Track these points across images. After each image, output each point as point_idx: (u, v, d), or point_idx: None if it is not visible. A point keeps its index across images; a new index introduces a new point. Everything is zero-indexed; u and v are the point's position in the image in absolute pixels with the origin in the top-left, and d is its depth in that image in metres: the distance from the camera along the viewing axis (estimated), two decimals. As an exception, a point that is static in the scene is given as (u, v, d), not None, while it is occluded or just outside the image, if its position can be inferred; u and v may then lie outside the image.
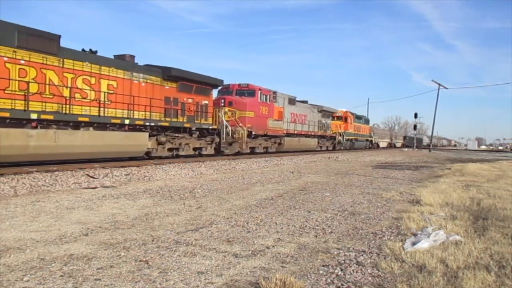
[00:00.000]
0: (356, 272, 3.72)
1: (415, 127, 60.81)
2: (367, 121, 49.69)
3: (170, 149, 16.42)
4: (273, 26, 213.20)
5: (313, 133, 30.88)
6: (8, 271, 3.52)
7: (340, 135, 37.52)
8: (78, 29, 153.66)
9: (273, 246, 4.55)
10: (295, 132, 27.40)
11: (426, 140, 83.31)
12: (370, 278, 3.57)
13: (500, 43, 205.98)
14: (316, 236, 5.08)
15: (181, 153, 16.82)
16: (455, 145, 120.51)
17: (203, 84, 17.88)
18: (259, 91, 22.44)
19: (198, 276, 3.51)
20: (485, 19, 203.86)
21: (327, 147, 35.36)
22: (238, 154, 20.86)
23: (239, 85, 22.19)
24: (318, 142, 32.06)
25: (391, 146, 62.15)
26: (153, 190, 8.82)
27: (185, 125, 16.74)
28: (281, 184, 10.69)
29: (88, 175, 10.66)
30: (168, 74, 15.88)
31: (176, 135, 16.46)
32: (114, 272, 3.57)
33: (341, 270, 3.76)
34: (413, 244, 4.55)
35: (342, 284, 3.41)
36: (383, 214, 6.66)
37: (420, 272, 3.63)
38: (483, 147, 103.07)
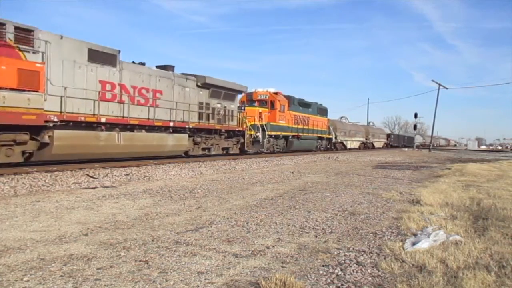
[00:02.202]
0: (356, 272, 3.72)
1: (415, 127, 60.88)
2: (322, 111, 34.18)
3: None
4: (274, 26, 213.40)
5: (172, 124, 15.88)
6: (8, 271, 3.52)
7: (259, 129, 22.79)
8: (79, 29, 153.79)
9: (273, 246, 4.55)
10: (107, 120, 13.17)
11: (419, 139, 73.98)
12: (370, 278, 3.57)
13: (500, 43, 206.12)
14: (316, 236, 5.07)
15: None
16: (455, 145, 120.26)
17: None
18: None
19: (198, 276, 3.51)
20: (486, 19, 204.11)
21: (225, 149, 20.03)
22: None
23: None
24: (196, 142, 17.70)
25: (366, 146, 47.93)
26: (153, 190, 8.82)
27: None
28: (281, 184, 10.69)
29: (88, 175, 10.66)
30: None
31: None
32: (114, 272, 3.57)
33: (341, 270, 3.76)
34: (413, 244, 4.55)
35: (342, 284, 3.41)
36: (383, 214, 6.66)
37: (420, 272, 3.63)
38: (483, 147, 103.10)
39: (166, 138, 15.63)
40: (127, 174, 11.34)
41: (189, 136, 17.14)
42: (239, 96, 22.90)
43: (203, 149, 18.55)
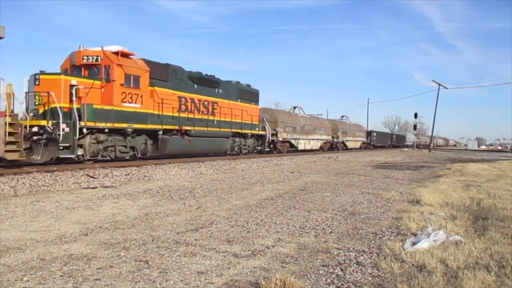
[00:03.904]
0: (356, 272, 3.72)
1: (415, 127, 60.81)
2: (247, 96, 22.54)
3: None
4: (275, 26, 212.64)
5: None
6: (8, 271, 3.52)
7: (61, 116, 11.79)
8: (81, 29, 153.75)
9: (273, 246, 4.55)
10: None
11: (411, 138, 66.41)
12: (370, 278, 3.57)
13: (500, 43, 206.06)
14: (316, 236, 5.07)
15: None
16: (454, 145, 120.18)
17: None
18: None
19: (198, 276, 3.51)
20: (486, 19, 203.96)
21: None
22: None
23: None
24: None
25: (333, 147, 38.34)
26: (153, 190, 8.83)
27: None
28: (281, 184, 10.70)
29: (88, 175, 10.66)
30: None
31: None
32: (114, 272, 3.57)
33: (341, 270, 3.76)
34: (413, 244, 4.55)
35: (342, 284, 3.41)
36: (383, 214, 6.66)
37: (420, 272, 3.63)
38: (483, 147, 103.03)
39: None
40: (127, 174, 11.34)
41: None
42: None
43: None
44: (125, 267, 3.71)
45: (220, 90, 19.90)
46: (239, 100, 21.38)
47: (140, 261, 3.89)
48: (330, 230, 5.43)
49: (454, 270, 3.69)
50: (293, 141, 29.68)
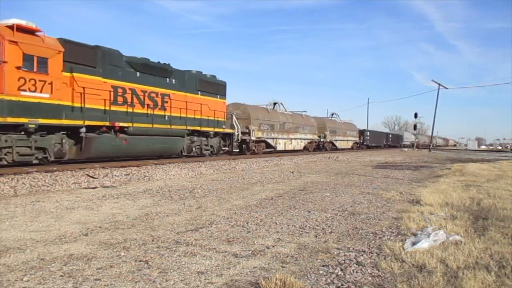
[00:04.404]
0: (356, 272, 3.72)
1: (415, 127, 60.80)
2: (210, 88, 19.01)
3: None
4: (275, 26, 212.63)
5: None
6: (8, 271, 3.52)
7: None
8: (82, 29, 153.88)
9: (273, 246, 4.55)
10: None
11: (409, 138, 66.01)
12: (370, 278, 3.57)
13: (500, 43, 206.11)
14: (316, 236, 5.08)
15: None
16: (454, 145, 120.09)
17: None
18: None
19: (198, 276, 3.51)
20: (486, 19, 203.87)
21: None
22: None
23: None
24: None
25: (320, 147, 35.06)
26: (153, 190, 8.83)
27: None
28: (281, 184, 10.70)
29: (88, 175, 10.66)
30: None
31: None
32: (114, 272, 3.57)
33: (341, 270, 3.76)
34: (413, 244, 4.55)
35: (342, 284, 3.41)
36: (383, 214, 6.66)
37: (420, 272, 3.63)
38: (483, 147, 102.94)
39: None
40: (127, 174, 11.34)
41: None
42: None
43: None
44: (125, 267, 3.71)
45: (173, 80, 16.66)
46: (199, 92, 18.13)
47: (140, 261, 3.89)
48: (330, 230, 5.43)
49: (454, 270, 3.69)
50: (270, 141, 25.98)
